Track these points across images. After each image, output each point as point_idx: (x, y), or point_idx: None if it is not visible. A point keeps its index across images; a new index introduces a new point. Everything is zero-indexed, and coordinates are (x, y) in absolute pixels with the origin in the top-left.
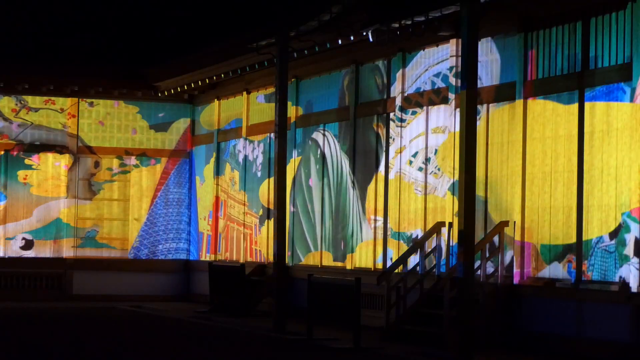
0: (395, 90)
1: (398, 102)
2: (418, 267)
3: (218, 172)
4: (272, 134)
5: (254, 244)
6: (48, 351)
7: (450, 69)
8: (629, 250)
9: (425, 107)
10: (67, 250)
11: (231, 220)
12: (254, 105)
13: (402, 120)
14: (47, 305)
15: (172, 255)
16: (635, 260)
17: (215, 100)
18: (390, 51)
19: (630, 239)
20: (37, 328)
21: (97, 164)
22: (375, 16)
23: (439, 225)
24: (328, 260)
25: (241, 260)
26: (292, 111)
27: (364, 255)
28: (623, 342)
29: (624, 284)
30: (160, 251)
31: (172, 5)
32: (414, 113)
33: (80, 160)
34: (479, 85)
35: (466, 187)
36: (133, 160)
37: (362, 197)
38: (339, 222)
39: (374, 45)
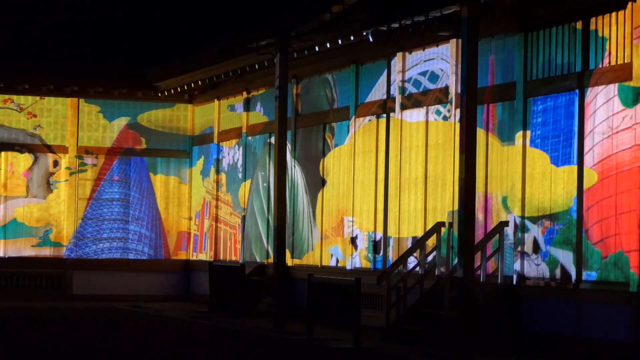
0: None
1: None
2: (418, 267)
3: (206, 173)
4: (251, 137)
5: (237, 243)
6: (48, 351)
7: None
8: (528, 247)
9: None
10: (25, 249)
11: (218, 221)
12: (225, 113)
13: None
14: (47, 305)
15: (105, 255)
16: (534, 256)
17: (216, 100)
18: (391, 51)
19: (529, 237)
20: (37, 328)
21: (56, 163)
22: (375, 16)
23: (438, 225)
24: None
25: (225, 259)
26: (255, 117)
27: (317, 255)
28: (623, 342)
29: (521, 277)
30: (94, 251)
31: (172, 5)
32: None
33: (40, 159)
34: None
35: (466, 187)
36: (93, 160)
37: (313, 202)
38: (291, 224)
39: (374, 45)
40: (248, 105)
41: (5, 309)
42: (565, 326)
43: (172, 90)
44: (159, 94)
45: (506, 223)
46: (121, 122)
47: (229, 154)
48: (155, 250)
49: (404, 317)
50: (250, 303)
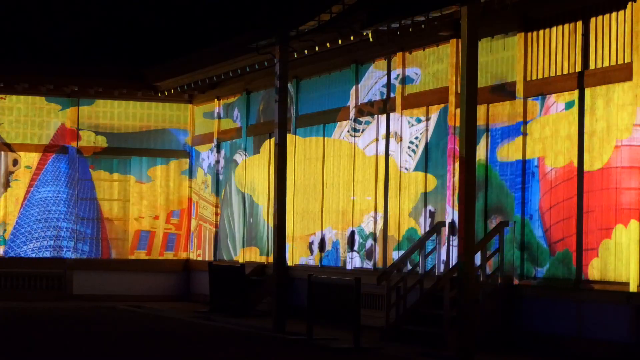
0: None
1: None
2: (418, 267)
3: (191, 174)
4: (230, 142)
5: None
6: (48, 351)
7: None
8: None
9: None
10: None
11: (204, 220)
12: (199, 119)
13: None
14: (47, 305)
15: (42, 254)
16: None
17: (216, 100)
18: (391, 51)
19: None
20: (37, 328)
21: (15, 162)
22: (375, 16)
23: (439, 225)
24: (254, 256)
25: (207, 258)
26: (226, 124)
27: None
28: (623, 342)
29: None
30: (24, 251)
31: (172, 5)
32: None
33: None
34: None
35: (466, 187)
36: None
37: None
38: (252, 229)
39: (374, 45)
40: (226, 111)
41: (5, 309)
42: (565, 326)
43: (172, 90)
44: (159, 94)
45: (506, 223)
46: (62, 120)
47: (210, 156)
48: (91, 247)
49: (404, 317)
50: (250, 303)
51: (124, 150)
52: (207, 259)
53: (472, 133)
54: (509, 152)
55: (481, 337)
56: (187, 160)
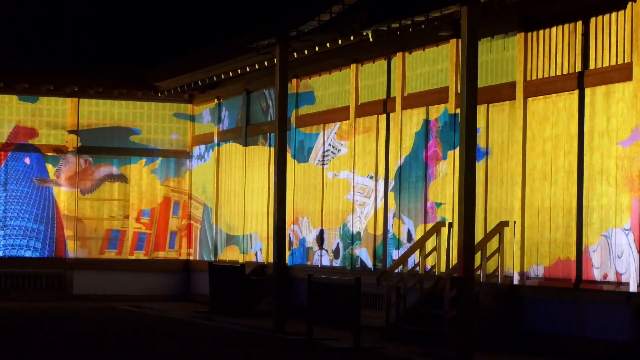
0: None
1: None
2: (418, 267)
3: (168, 174)
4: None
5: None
6: (48, 351)
7: None
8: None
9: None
10: None
11: (195, 220)
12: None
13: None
14: (47, 305)
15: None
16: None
17: (215, 100)
18: (391, 51)
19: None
20: (37, 328)
21: None
22: (375, 16)
23: (438, 225)
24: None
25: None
26: (212, 127)
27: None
28: (623, 342)
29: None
30: None
31: (173, 5)
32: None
33: None
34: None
35: (466, 187)
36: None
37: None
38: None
39: (374, 45)
40: (214, 114)
41: (5, 309)
42: (565, 326)
43: (172, 90)
44: (159, 94)
45: (506, 223)
46: (19, 117)
47: (199, 157)
48: (44, 245)
49: (404, 317)
50: (250, 303)
51: (95, 149)
52: (197, 258)
53: (472, 133)
54: None
55: (481, 337)
56: (159, 159)
